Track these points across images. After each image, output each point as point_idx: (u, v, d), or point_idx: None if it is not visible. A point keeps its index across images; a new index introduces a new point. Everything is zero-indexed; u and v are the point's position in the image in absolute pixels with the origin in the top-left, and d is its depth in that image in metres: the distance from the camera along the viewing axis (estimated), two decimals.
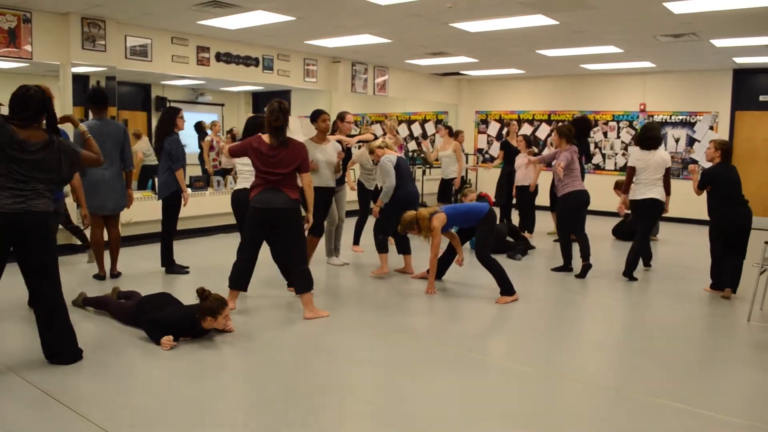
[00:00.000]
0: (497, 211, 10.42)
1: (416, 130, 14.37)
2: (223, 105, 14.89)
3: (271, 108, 4.66)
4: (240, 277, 4.94)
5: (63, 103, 7.34)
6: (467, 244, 6.63)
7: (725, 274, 5.82)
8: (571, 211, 6.64)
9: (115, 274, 6.14)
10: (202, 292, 4.22)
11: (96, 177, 5.78)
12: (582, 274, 6.49)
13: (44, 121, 3.67)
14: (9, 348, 4.10)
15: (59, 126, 3.80)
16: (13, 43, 6.79)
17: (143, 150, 10.16)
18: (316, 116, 6.17)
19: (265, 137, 4.72)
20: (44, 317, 3.76)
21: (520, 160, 9.02)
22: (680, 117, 11.23)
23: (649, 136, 6.43)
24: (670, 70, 11.13)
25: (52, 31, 7.12)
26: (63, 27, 7.20)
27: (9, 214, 3.49)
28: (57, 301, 3.77)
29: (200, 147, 10.79)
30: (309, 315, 4.87)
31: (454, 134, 9.61)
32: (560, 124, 7.98)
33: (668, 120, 11.34)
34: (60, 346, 3.79)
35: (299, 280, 4.87)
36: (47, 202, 3.64)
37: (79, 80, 7.67)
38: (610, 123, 11.98)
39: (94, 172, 5.79)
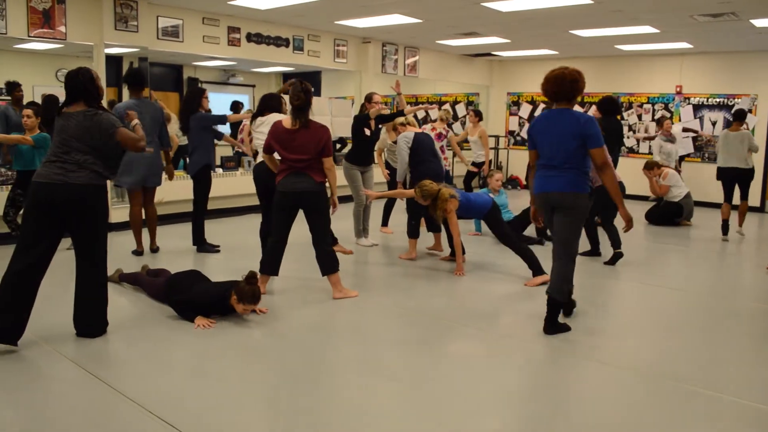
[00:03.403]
0: (526, 194, 10.39)
1: None
2: (254, 86, 14.94)
3: (294, 88, 4.67)
4: (271, 262, 4.92)
5: None
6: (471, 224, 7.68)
7: None
8: (606, 202, 6.64)
9: (154, 249, 6.30)
10: (251, 276, 4.21)
11: (134, 153, 5.90)
12: (611, 262, 6.36)
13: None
14: (47, 321, 4.20)
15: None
16: (48, 24, 6.89)
17: (177, 132, 10.12)
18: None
19: (286, 122, 4.72)
20: (77, 290, 3.89)
21: None
22: (717, 99, 10.94)
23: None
24: (708, 51, 10.83)
25: (85, 12, 7.21)
26: (96, 8, 7.28)
27: (49, 185, 3.62)
28: (88, 275, 3.86)
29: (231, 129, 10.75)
30: (338, 295, 4.89)
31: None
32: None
33: (705, 103, 11.07)
34: (85, 319, 3.91)
35: (323, 261, 4.85)
36: (90, 175, 3.70)
37: (113, 61, 7.76)
38: (645, 105, 11.73)
39: None
